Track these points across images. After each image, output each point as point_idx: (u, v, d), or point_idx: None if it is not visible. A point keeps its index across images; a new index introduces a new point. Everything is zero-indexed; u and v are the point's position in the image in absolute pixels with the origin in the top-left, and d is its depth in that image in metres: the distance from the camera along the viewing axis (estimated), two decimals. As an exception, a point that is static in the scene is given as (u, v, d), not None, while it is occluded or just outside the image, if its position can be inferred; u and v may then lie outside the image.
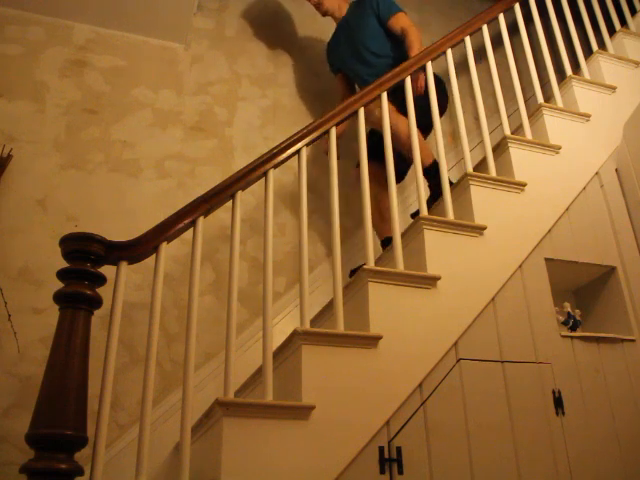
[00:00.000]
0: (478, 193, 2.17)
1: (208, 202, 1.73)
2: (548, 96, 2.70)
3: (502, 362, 1.91)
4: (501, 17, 2.63)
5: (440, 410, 1.76)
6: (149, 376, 1.46)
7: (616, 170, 2.53)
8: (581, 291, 2.45)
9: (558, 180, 2.35)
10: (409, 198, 3.06)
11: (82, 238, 1.46)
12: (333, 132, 2.03)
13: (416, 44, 2.55)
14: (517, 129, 2.59)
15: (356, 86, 2.92)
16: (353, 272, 2.41)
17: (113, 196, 2.56)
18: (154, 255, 1.62)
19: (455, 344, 1.87)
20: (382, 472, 1.60)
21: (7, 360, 2.16)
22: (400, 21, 2.65)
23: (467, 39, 2.48)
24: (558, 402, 1.93)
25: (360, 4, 2.79)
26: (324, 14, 2.87)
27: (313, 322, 2.09)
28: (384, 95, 2.18)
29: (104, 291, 1.47)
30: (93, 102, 2.71)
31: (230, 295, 1.64)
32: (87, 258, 1.44)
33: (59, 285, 1.42)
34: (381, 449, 1.63)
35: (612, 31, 3.07)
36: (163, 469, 2.11)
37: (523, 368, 1.93)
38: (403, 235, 2.08)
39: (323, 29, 3.32)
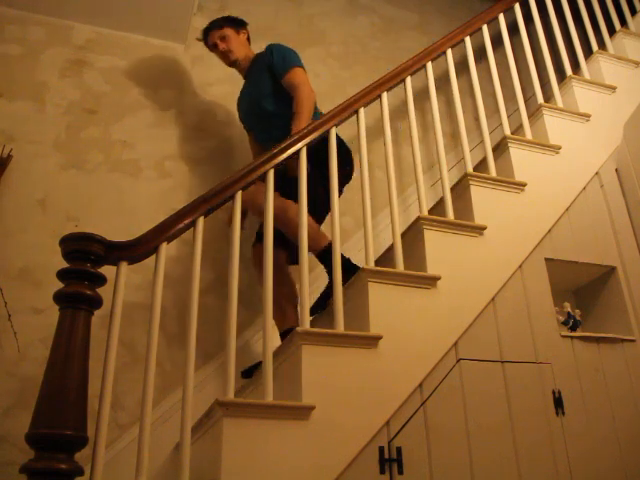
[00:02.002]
0: (478, 193, 2.18)
1: (208, 202, 1.73)
2: (548, 96, 2.70)
3: (502, 362, 1.91)
4: (501, 17, 2.63)
5: (440, 410, 1.76)
6: (149, 376, 1.46)
7: (616, 170, 2.53)
8: (581, 291, 2.45)
9: (558, 180, 2.35)
10: (409, 198, 3.06)
11: (82, 238, 1.46)
12: (333, 132, 2.03)
13: (305, 108, 2.21)
14: (517, 129, 2.59)
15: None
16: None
17: (113, 196, 2.56)
18: (154, 255, 1.62)
19: (455, 344, 1.87)
20: (382, 472, 1.60)
21: (7, 360, 2.16)
22: (293, 78, 2.31)
23: (467, 39, 2.49)
24: (558, 402, 1.93)
25: (259, 56, 2.50)
26: (231, 64, 2.55)
27: (313, 322, 2.09)
28: (384, 95, 2.18)
29: (104, 291, 1.47)
30: (93, 102, 2.71)
31: (230, 295, 1.64)
32: (87, 258, 1.44)
33: (59, 285, 1.42)
34: (381, 449, 1.63)
35: (612, 31, 3.07)
36: (163, 469, 2.10)
37: (523, 368, 1.93)
38: (403, 235, 2.08)
39: (322, 30, 3.32)
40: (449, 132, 3.30)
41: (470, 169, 2.22)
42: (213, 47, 2.55)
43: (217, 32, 2.52)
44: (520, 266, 2.10)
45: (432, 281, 1.91)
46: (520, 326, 2.00)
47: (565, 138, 2.46)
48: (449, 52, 2.40)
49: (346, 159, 2.29)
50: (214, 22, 2.55)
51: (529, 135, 2.42)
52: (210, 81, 2.98)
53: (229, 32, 2.52)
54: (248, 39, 2.61)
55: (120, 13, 2.80)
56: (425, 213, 2.04)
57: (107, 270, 1.50)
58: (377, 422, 1.65)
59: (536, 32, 2.75)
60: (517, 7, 2.71)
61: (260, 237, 2.11)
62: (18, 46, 2.68)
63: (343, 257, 1.99)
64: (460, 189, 2.22)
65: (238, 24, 2.57)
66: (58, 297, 1.40)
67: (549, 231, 2.22)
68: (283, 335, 2.16)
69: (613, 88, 2.73)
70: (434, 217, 2.04)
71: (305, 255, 1.78)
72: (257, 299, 2.53)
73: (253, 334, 2.50)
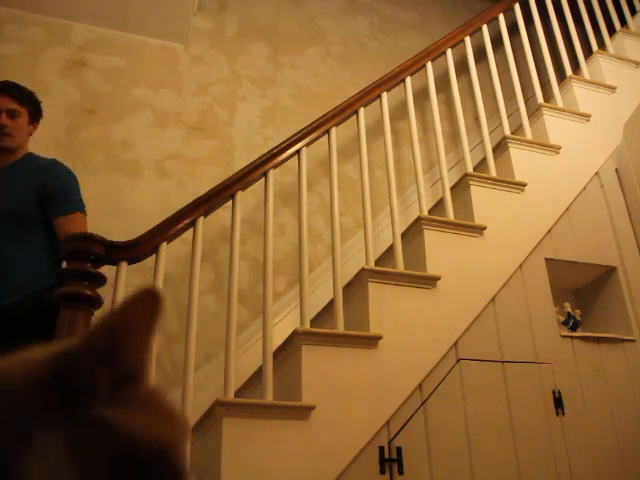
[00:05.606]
0: (478, 193, 2.18)
1: (208, 202, 1.73)
2: (548, 96, 2.71)
3: (502, 362, 1.91)
4: (501, 17, 2.64)
5: (440, 410, 1.76)
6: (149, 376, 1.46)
7: (616, 170, 2.53)
8: (581, 291, 2.45)
9: (558, 180, 2.35)
10: (409, 198, 3.06)
11: (82, 238, 1.46)
12: (333, 132, 2.03)
13: None
14: (517, 129, 2.59)
15: None
16: None
17: (113, 196, 2.55)
18: (154, 255, 1.62)
19: (455, 344, 1.87)
20: (382, 472, 1.60)
21: (7, 360, 2.16)
22: (69, 226, 1.67)
23: (467, 39, 2.49)
24: (558, 402, 1.93)
25: (32, 162, 1.86)
26: (1, 149, 1.83)
27: (313, 322, 2.09)
28: (384, 95, 2.18)
29: (104, 291, 1.47)
30: (93, 102, 2.71)
31: (230, 295, 1.64)
32: (87, 258, 1.45)
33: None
34: (381, 449, 1.63)
35: (612, 31, 3.07)
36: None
37: (523, 368, 1.93)
38: (403, 235, 2.08)
39: (322, 30, 3.32)
40: (449, 132, 3.30)
41: (470, 169, 2.22)
42: None
43: (10, 100, 1.85)
44: (520, 266, 2.10)
45: (432, 281, 1.91)
46: (520, 326, 2.00)
47: (565, 138, 2.47)
48: (449, 52, 2.40)
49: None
50: (14, 87, 1.88)
51: (529, 135, 2.42)
52: (210, 81, 2.98)
53: (24, 112, 1.87)
54: (31, 134, 1.95)
55: (120, 13, 2.80)
56: (425, 213, 2.04)
57: (107, 270, 1.50)
58: (377, 422, 1.65)
59: (536, 32, 2.75)
60: (517, 7, 2.72)
61: None
62: (18, 46, 2.68)
63: None
64: (460, 189, 2.23)
65: (36, 113, 1.93)
66: (58, 297, 1.40)
67: (549, 231, 2.23)
68: None
69: (613, 88, 2.73)
70: (434, 217, 2.05)
71: (305, 256, 1.78)
72: (257, 299, 2.54)
73: (253, 334, 2.50)
